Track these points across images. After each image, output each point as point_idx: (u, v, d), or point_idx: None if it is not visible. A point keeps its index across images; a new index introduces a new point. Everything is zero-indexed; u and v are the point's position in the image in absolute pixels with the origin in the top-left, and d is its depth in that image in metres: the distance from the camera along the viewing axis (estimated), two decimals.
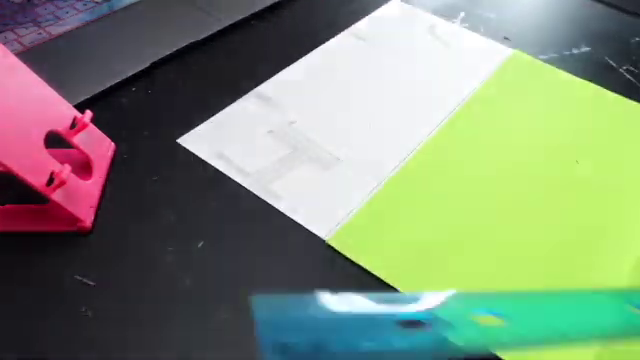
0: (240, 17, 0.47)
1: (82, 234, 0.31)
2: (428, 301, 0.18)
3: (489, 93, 0.41)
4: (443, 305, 0.18)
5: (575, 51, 0.47)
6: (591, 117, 0.40)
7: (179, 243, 0.31)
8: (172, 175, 0.35)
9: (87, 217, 0.31)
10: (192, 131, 0.37)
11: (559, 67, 0.45)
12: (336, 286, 0.29)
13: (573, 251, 0.31)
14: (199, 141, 0.37)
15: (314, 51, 0.44)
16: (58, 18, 0.47)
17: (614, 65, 0.46)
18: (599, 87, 0.42)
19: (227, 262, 0.30)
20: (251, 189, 0.34)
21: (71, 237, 0.31)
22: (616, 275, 0.30)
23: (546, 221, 0.33)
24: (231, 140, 0.37)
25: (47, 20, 0.47)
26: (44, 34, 0.45)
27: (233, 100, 0.40)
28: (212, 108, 0.39)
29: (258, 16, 0.48)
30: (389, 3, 0.50)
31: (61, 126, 0.32)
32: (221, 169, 0.35)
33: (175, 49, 0.43)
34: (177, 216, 0.32)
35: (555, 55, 0.47)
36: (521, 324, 0.19)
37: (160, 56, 0.43)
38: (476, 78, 0.42)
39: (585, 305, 0.21)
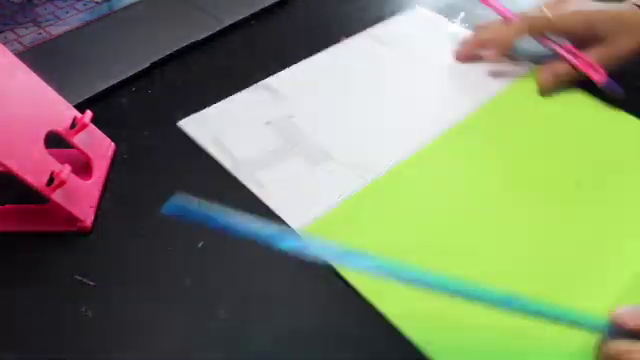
0: (240, 17, 0.47)
1: (82, 234, 0.31)
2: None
3: (491, 109, 0.40)
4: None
5: None
6: (592, 133, 0.38)
7: (179, 243, 0.31)
8: (172, 175, 0.35)
9: (87, 217, 0.31)
10: (192, 115, 0.38)
11: None
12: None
13: (570, 269, 0.30)
14: (199, 125, 0.38)
15: (324, 50, 0.44)
16: (58, 18, 0.47)
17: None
18: (598, 100, 0.40)
19: (228, 261, 0.30)
20: (238, 176, 0.34)
21: (71, 237, 0.31)
22: (613, 291, 0.29)
23: (535, 238, 0.32)
24: (229, 128, 0.37)
25: (47, 20, 0.47)
26: (44, 34, 0.45)
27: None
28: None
29: (258, 16, 0.48)
30: (406, 10, 0.49)
31: (61, 126, 0.32)
32: (216, 156, 0.35)
33: (175, 49, 0.43)
34: None
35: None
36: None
37: (160, 56, 0.43)
38: (483, 92, 0.41)
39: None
